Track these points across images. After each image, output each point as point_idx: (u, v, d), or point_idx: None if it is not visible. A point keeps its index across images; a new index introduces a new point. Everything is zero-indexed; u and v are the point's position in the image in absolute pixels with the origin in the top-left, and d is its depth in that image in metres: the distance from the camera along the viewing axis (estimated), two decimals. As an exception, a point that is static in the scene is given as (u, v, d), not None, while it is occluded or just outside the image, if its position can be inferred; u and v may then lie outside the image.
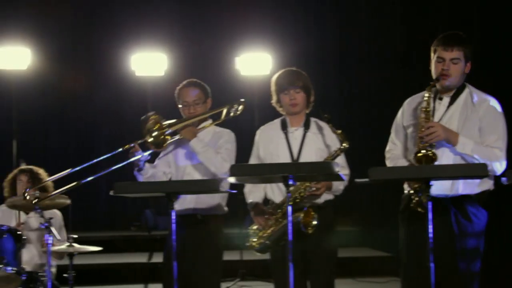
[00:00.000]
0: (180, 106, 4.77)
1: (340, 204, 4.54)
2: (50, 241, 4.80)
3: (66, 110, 10.88)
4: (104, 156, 4.62)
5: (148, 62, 10.06)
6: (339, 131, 4.27)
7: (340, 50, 11.02)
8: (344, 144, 4.24)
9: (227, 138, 4.73)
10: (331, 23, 11.09)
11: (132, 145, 4.51)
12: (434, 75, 4.11)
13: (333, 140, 4.42)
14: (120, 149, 4.55)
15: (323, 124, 4.47)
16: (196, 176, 4.64)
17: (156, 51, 10.12)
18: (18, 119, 9.92)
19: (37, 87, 10.47)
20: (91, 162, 4.60)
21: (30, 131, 10.38)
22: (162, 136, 4.46)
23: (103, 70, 10.76)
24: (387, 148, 4.42)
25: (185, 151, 4.69)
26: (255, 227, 4.44)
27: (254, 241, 4.41)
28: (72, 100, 10.89)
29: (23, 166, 5.90)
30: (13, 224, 5.35)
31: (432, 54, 4.15)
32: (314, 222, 4.19)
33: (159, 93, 10.17)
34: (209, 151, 4.55)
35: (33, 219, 5.56)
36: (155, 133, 4.46)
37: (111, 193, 4.11)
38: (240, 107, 4.70)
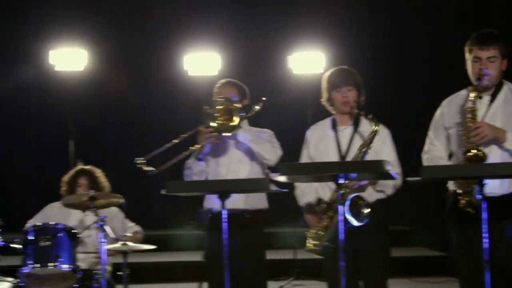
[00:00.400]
0: None
1: (393, 202, 4.49)
2: (104, 240, 4.88)
3: (121, 110, 10.99)
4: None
5: (201, 62, 10.09)
6: (370, 116, 4.29)
7: (393, 49, 10.89)
8: (375, 128, 4.23)
9: (270, 133, 4.83)
10: (385, 21, 10.97)
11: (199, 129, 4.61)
12: (472, 76, 4.10)
13: (383, 138, 4.39)
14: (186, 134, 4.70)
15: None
16: (242, 172, 4.71)
17: (209, 50, 10.14)
18: (75, 120, 10.10)
19: (93, 88, 10.59)
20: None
21: (86, 132, 10.52)
22: (228, 122, 4.56)
23: (156, 70, 10.81)
24: (425, 148, 4.39)
25: (227, 147, 4.75)
26: (312, 230, 4.40)
27: (313, 244, 4.37)
28: (127, 100, 11.00)
29: (81, 166, 5.96)
30: (69, 222, 5.43)
31: (467, 55, 4.15)
32: (365, 211, 4.13)
33: (212, 93, 10.22)
34: (260, 138, 4.66)
35: (89, 218, 5.64)
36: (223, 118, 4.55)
37: (163, 192, 4.15)
38: (257, 107, 4.77)
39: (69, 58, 9.89)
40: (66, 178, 5.85)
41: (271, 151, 4.69)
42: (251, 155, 4.77)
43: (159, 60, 10.75)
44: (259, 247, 4.80)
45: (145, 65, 10.90)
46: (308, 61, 9.70)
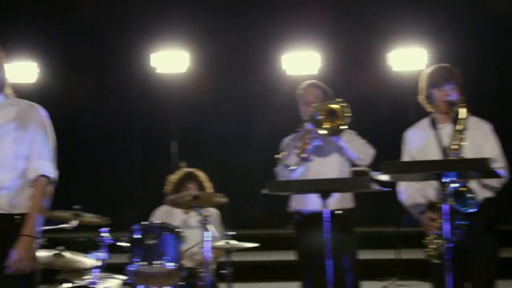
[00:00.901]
0: (300, 104, 4.96)
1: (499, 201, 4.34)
2: (208, 238, 4.96)
3: (223, 110, 11.10)
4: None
5: (300, 61, 10.09)
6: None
7: (500, 50, 10.55)
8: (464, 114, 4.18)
9: (353, 132, 4.84)
10: (490, 21, 10.62)
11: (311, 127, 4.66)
12: None
13: (485, 132, 4.27)
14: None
15: (474, 119, 4.32)
16: (332, 172, 4.76)
17: (308, 49, 10.13)
18: (178, 121, 10.31)
19: (195, 88, 10.75)
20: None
21: (188, 132, 10.69)
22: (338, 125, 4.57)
23: (255, 70, 10.85)
24: None
25: (320, 148, 4.79)
26: (430, 236, 4.29)
27: (432, 250, 4.25)
28: (228, 101, 11.09)
29: (189, 169, 6.04)
30: (174, 222, 5.52)
31: None
32: (471, 196, 3.99)
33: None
34: (354, 138, 4.67)
35: (193, 217, 5.73)
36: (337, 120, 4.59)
37: (264, 191, 4.18)
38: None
39: (170, 60, 10.12)
40: (173, 179, 5.94)
41: (366, 151, 4.73)
42: (343, 155, 4.78)
43: (257, 60, 10.77)
44: (353, 246, 4.84)
45: (244, 65, 10.95)
46: (408, 58, 9.54)
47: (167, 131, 10.45)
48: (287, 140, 5.05)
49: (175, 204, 5.36)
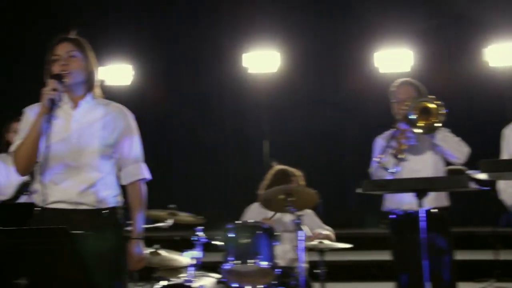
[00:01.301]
0: (393, 102, 4.87)
1: None
2: (302, 238, 4.95)
3: (315, 110, 11.06)
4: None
5: (393, 59, 9.97)
6: None
7: None
8: None
9: (447, 130, 4.73)
10: None
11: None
12: None
13: None
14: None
15: None
16: (426, 171, 4.67)
17: (401, 47, 9.99)
18: (269, 120, 10.36)
19: (286, 88, 10.76)
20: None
21: (279, 131, 10.71)
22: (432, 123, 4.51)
23: (347, 68, 10.77)
24: None
25: (414, 146, 4.72)
26: None
27: None
28: (320, 99, 11.04)
29: (280, 166, 6.03)
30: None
31: None
32: None
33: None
34: (448, 136, 4.57)
35: (286, 217, 5.73)
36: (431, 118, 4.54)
37: (358, 190, 4.14)
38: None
39: (263, 61, 10.19)
40: (268, 176, 5.92)
41: (461, 150, 4.62)
42: (437, 153, 4.72)
43: (349, 59, 10.68)
44: (450, 246, 4.74)
45: (335, 64, 10.89)
46: (507, 53, 9.29)
47: (259, 130, 10.51)
48: (379, 139, 4.98)
49: (268, 201, 5.36)
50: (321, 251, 5.18)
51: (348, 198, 10.55)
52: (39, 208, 3.39)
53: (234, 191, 10.90)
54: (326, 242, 5.17)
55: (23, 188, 5.68)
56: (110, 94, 3.71)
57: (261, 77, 10.32)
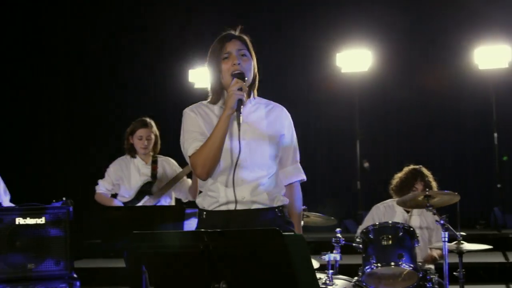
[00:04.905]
0: None
1: None
2: (446, 238, 4.81)
3: (403, 111, 10.86)
4: None
5: (492, 55, 9.74)
6: None
7: None
8: None
9: None
10: None
11: None
12: None
13: None
14: None
15: None
16: None
17: (500, 43, 9.75)
18: (361, 120, 10.24)
19: (378, 88, 10.62)
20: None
21: (371, 132, 10.57)
22: None
23: (446, 64, 10.49)
24: None
25: None
26: None
27: None
28: (409, 101, 10.82)
29: (413, 166, 5.88)
30: (397, 220, 5.39)
31: None
32: None
33: (502, 86, 9.93)
34: None
35: (414, 218, 5.59)
36: None
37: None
38: None
39: (354, 60, 10.10)
40: (400, 176, 5.76)
41: None
42: None
43: (449, 54, 10.43)
44: None
45: (428, 61, 10.68)
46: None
47: (351, 130, 10.40)
48: None
49: (406, 204, 5.23)
50: (459, 252, 5.03)
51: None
52: (205, 212, 3.33)
53: (328, 189, 10.79)
54: (465, 244, 5.01)
55: (145, 190, 5.68)
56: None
57: (353, 76, 10.25)
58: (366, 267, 4.84)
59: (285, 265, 2.64)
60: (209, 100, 3.39)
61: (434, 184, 5.59)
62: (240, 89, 3.17)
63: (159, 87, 11.18)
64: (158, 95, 11.14)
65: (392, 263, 4.80)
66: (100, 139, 10.49)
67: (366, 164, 10.47)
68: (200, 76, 10.48)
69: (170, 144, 5.47)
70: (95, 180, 5.75)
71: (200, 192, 3.39)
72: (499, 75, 9.93)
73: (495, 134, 9.96)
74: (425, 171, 5.66)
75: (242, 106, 3.24)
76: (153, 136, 5.72)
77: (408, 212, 5.65)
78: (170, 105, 10.48)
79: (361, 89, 10.38)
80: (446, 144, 10.65)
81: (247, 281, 2.74)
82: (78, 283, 5.06)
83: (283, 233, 2.58)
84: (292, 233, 3.04)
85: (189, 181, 5.69)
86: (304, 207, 5.14)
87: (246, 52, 3.36)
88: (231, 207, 3.27)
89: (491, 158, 10.13)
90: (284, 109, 3.49)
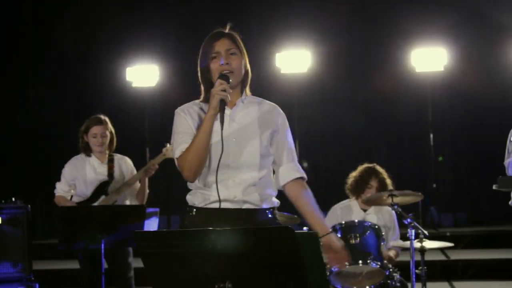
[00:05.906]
0: None
1: None
2: (412, 236, 4.86)
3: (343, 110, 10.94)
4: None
5: (428, 58, 9.93)
6: None
7: None
8: None
9: None
10: None
11: None
12: None
13: None
14: None
15: None
16: None
17: (436, 46, 9.95)
18: (299, 119, 10.26)
19: (317, 88, 10.66)
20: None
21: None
22: None
23: (385, 66, 10.62)
24: None
25: None
26: None
27: None
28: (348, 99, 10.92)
29: (368, 165, 5.90)
30: (354, 219, 5.42)
31: None
32: None
33: (438, 89, 10.16)
34: None
35: (370, 216, 5.62)
36: None
37: (495, 187, 4.05)
38: None
39: (294, 60, 10.14)
40: (354, 175, 5.77)
41: None
42: None
43: (385, 57, 10.56)
44: None
45: (370, 64, 10.77)
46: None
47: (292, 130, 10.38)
48: None
49: (370, 202, 5.26)
50: (421, 250, 5.08)
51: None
52: (195, 209, 3.26)
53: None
54: (428, 241, 5.07)
55: (101, 190, 5.51)
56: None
57: (292, 77, 10.24)
58: (333, 266, 4.83)
59: (297, 264, 2.59)
60: (201, 99, 3.34)
61: (388, 181, 5.65)
62: (224, 90, 3.12)
63: (94, 87, 10.91)
64: (95, 94, 10.85)
65: (360, 262, 4.81)
66: (43, 138, 10.25)
67: (305, 164, 10.50)
68: (138, 74, 10.29)
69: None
70: (47, 180, 5.55)
71: (190, 190, 3.32)
72: (435, 78, 10.14)
73: (431, 135, 10.21)
74: (379, 168, 5.71)
75: (225, 106, 3.19)
76: (108, 134, 5.56)
77: (365, 210, 5.68)
78: (107, 105, 10.22)
79: (300, 90, 10.40)
80: (383, 144, 10.80)
81: (255, 280, 2.68)
82: (37, 286, 4.87)
83: (296, 232, 2.54)
84: (305, 232, 2.98)
85: (138, 185, 5.58)
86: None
87: (235, 51, 3.31)
88: (222, 205, 3.21)
89: (427, 158, 10.36)
90: (277, 107, 3.43)
